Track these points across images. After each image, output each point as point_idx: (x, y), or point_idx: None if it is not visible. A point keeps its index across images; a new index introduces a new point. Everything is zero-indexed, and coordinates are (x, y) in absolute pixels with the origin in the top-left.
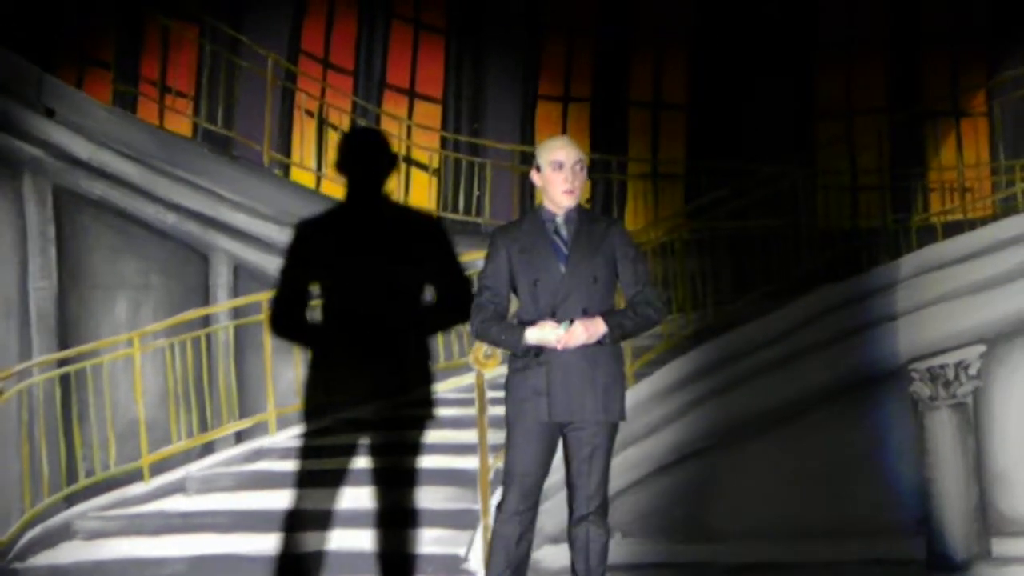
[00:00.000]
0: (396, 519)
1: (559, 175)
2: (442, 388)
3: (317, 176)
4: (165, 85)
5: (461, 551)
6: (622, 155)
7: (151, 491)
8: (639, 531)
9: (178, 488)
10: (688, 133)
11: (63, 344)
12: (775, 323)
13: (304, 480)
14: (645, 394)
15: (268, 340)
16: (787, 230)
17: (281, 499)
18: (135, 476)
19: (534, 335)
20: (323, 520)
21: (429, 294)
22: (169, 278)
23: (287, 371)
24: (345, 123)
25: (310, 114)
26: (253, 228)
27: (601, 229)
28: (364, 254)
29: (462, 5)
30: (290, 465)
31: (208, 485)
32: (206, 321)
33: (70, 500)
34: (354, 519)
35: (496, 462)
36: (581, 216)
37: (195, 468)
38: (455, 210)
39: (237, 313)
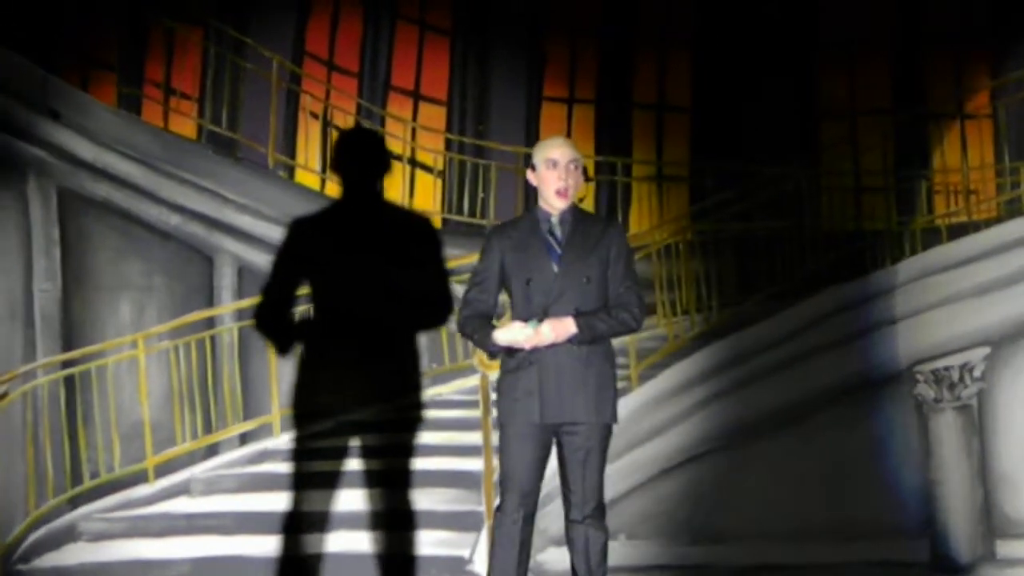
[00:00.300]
0: (399, 521)
1: (553, 174)
2: (446, 390)
3: (321, 178)
4: (169, 87)
5: (465, 553)
6: (627, 157)
7: (155, 493)
8: (644, 533)
9: (182, 490)
10: (692, 135)
11: (67, 346)
12: (780, 325)
13: (308, 482)
14: (650, 396)
15: None
16: (791, 232)
17: (286, 501)
18: (140, 478)
19: (503, 336)
20: (327, 522)
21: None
22: (173, 280)
23: (292, 373)
24: (350, 125)
25: (315, 116)
26: (257, 230)
27: (598, 230)
28: (357, 254)
29: (467, 7)
30: (294, 467)
31: (212, 487)
32: (210, 323)
33: (75, 502)
34: (358, 521)
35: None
36: (577, 216)
37: (199, 470)
38: (460, 212)
39: (241, 315)
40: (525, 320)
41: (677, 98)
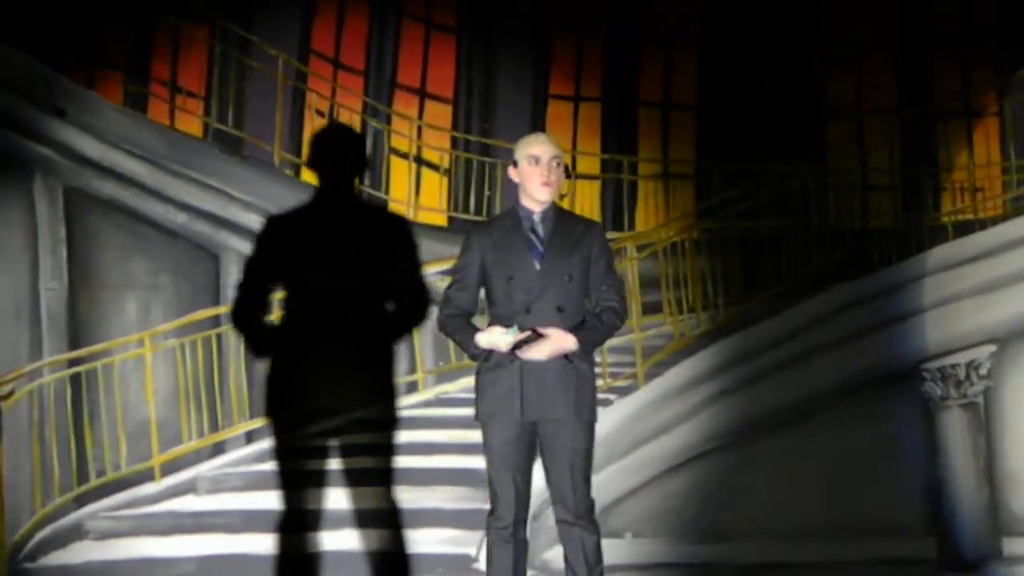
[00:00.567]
0: (404, 519)
1: (536, 169)
2: (452, 388)
3: None
4: (176, 85)
5: (471, 551)
6: (632, 155)
7: (162, 491)
8: (650, 531)
9: (189, 488)
10: (698, 133)
11: (74, 344)
12: (786, 323)
13: (313, 480)
14: (656, 394)
15: None
16: (798, 230)
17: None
18: (146, 476)
19: (484, 340)
20: (331, 520)
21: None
22: (179, 278)
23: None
24: (356, 123)
25: (320, 114)
26: None
27: (579, 229)
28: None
29: (473, 5)
30: (300, 465)
31: (218, 485)
32: (216, 321)
33: (81, 500)
34: (361, 519)
35: None
36: (558, 215)
37: (206, 468)
38: (466, 210)
39: None
40: (507, 326)
41: (683, 96)
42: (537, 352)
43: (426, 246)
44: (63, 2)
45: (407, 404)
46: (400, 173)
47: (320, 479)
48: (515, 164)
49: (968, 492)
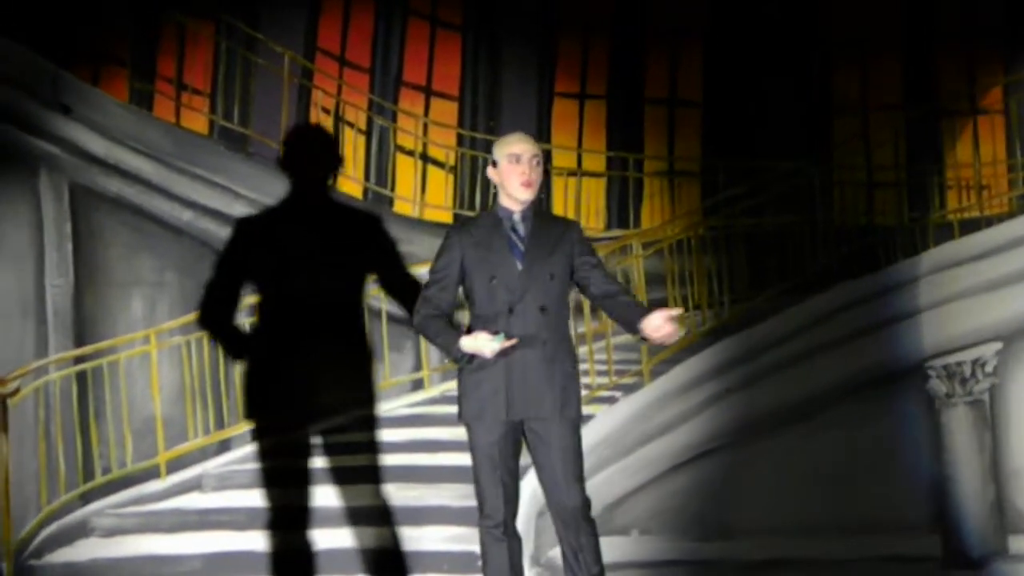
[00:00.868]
0: (408, 516)
1: (516, 168)
2: (456, 387)
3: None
4: (181, 82)
5: (476, 548)
6: (638, 153)
7: (167, 488)
8: (655, 528)
9: (194, 485)
10: (704, 130)
11: (79, 341)
12: (791, 321)
13: (318, 477)
14: (661, 392)
15: None
16: (803, 227)
17: (297, 496)
18: (152, 473)
19: (469, 344)
20: (336, 517)
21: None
22: (185, 275)
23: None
24: (361, 121)
25: (326, 112)
26: None
27: (559, 229)
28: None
29: (479, 3)
30: (306, 463)
31: (224, 482)
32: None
33: (86, 497)
34: (364, 516)
35: None
36: (537, 214)
37: (211, 465)
38: (471, 207)
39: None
40: (489, 327)
41: (689, 94)
42: (669, 338)
43: (431, 243)
44: None
45: (412, 402)
46: (406, 170)
47: (314, 477)
48: (494, 164)
49: (973, 490)
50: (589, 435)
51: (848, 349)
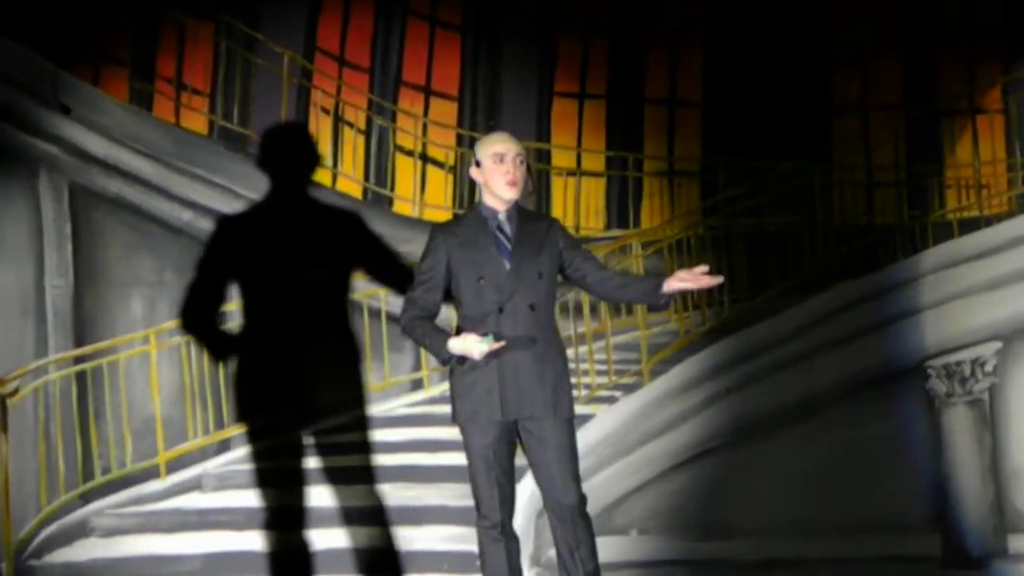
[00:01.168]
0: (408, 516)
1: (501, 167)
2: None
3: (333, 173)
4: (181, 82)
5: (476, 548)
6: (638, 152)
7: (167, 488)
8: (655, 528)
9: (194, 485)
10: (704, 130)
11: (79, 341)
12: (791, 320)
13: (317, 477)
14: (661, 391)
15: None
16: (803, 227)
17: (296, 496)
18: (151, 473)
19: (458, 346)
20: (335, 517)
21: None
22: (184, 275)
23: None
24: (361, 121)
25: (326, 112)
26: None
27: (543, 227)
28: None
29: (478, 3)
30: (305, 463)
31: (224, 482)
32: (222, 318)
33: (86, 497)
34: (364, 516)
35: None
36: (521, 213)
37: (211, 465)
38: (471, 207)
39: None
40: (478, 328)
41: (689, 94)
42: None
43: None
44: None
45: (412, 401)
46: (405, 170)
47: (312, 477)
48: (477, 164)
49: (973, 489)
50: (589, 435)
51: (848, 349)
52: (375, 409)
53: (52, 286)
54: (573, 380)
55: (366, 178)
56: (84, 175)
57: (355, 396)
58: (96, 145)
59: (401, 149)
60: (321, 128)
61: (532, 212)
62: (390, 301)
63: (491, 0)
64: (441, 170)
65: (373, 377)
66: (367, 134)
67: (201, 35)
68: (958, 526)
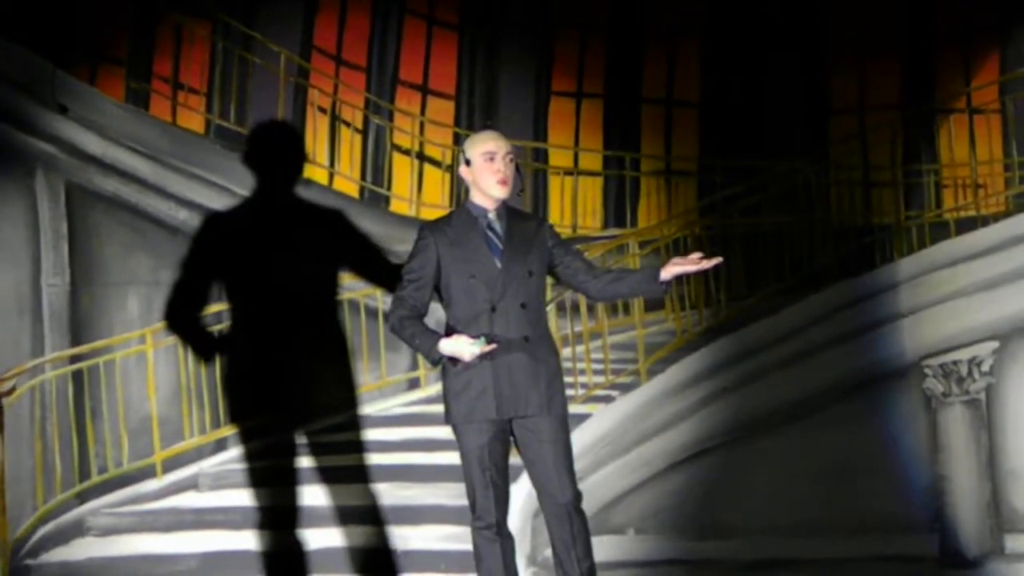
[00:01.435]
0: (405, 515)
1: (491, 166)
2: None
3: (330, 172)
4: (178, 82)
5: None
6: (635, 152)
7: (164, 488)
8: (652, 528)
9: (191, 485)
10: (701, 130)
11: (75, 341)
12: (788, 320)
13: (314, 476)
14: (658, 391)
15: None
16: (800, 227)
17: (293, 496)
18: (148, 473)
19: (449, 348)
20: (331, 516)
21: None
22: None
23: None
24: (358, 120)
25: (323, 111)
26: None
27: (532, 225)
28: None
29: (476, 1)
30: (302, 462)
31: (220, 482)
32: (218, 317)
33: (82, 497)
34: (361, 516)
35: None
36: (509, 212)
37: (208, 465)
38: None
39: None
40: (468, 328)
41: (686, 93)
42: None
43: None
44: None
45: (408, 401)
46: (402, 169)
47: (309, 476)
48: (467, 162)
49: (970, 489)
50: (586, 434)
51: (845, 348)
52: (372, 408)
53: (48, 285)
54: (570, 380)
55: (363, 177)
56: (81, 174)
57: (351, 395)
58: (93, 144)
59: (398, 148)
60: (318, 127)
61: (520, 211)
62: (387, 300)
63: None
64: (438, 169)
65: (370, 376)
66: (364, 133)
67: (198, 34)
68: (955, 526)
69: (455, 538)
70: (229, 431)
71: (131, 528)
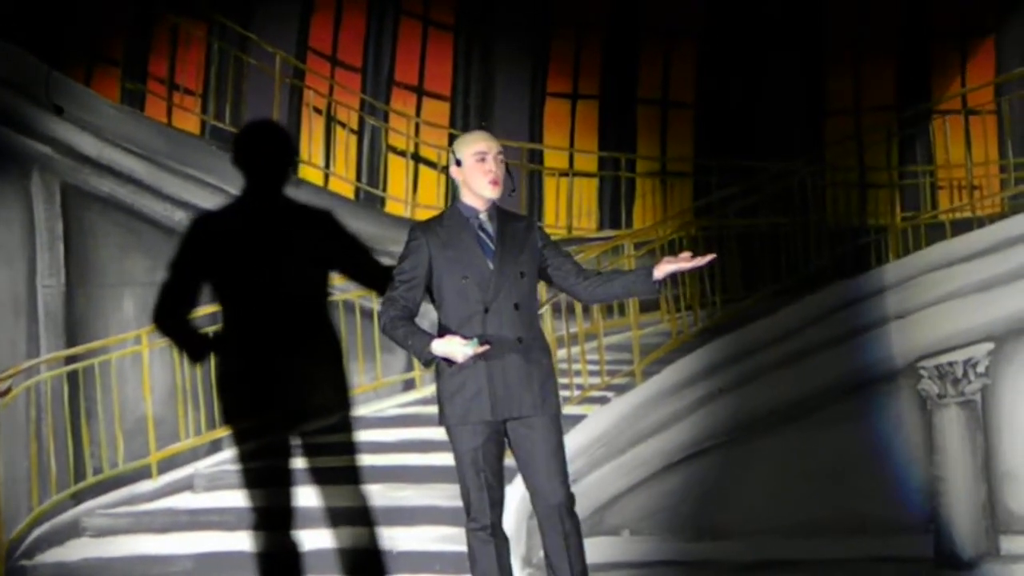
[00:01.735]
0: (400, 516)
1: (483, 166)
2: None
3: (325, 173)
4: (173, 83)
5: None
6: (630, 153)
7: (159, 488)
8: (647, 529)
9: (186, 485)
10: (696, 131)
11: (71, 341)
12: (783, 321)
13: (308, 478)
14: (653, 392)
15: None
16: (796, 228)
17: (287, 497)
18: (143, 473)
19: (441, 348)
20: (325, 517)
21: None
22: None
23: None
24: (353, 121)
25: (318, 111)
26: None
27: (523, 226)
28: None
29: (471, 2)
30: (297, 463)
31: (215, 482)
32: (214, 318)
33: (78, 497)
34: (354, 517)
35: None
36: (500, 213)
37: (203, 465)
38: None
39: None
40: (461, 329)
41: (681, 94)
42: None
43: None
44: None
45: (403, 402)
46: (398, 170)
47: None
48: (458, 163)
49: (965, 490)
50: (581, 435)
51: (840, 349)
52: (367, 409)
53: (44, 286)
54: (565, 381)
55: (358, 178)
56: (76, 175)
57: (345, 396)
58: (88, 145)
59: (393, 149)
60: (313, 128)
61: (510, 211)
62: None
63: (484, 0)
64: (433, 170)
65: (365, 377)
66: (359, 134)
67: (194, 35)
68: (950, 527)
69: (450, 539)
70: (224, 432)
71: (126, 529)
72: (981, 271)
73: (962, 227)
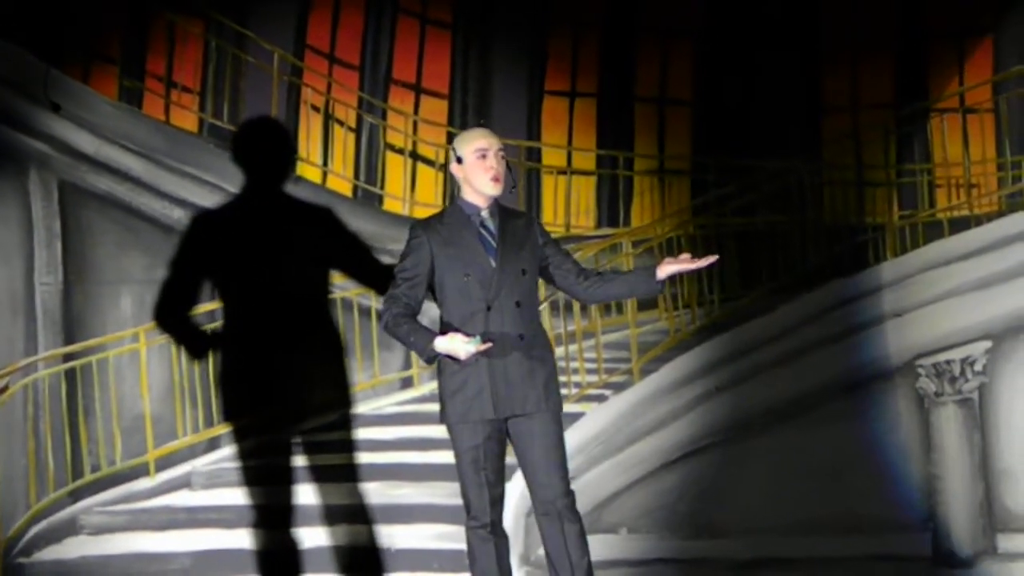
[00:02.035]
0: (398, 514)
1: (484, 163)
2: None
3: (323, 171)
4: (171, 80)
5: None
6: (628, 151)
7: (157, 486)
8: (645, 527)
9: (184, 483)
10: (694, 129)
11: (69, 339)
12: (781, 319)
13: (306, 475)
14: (651, 390)
15: None
16: (793, 226)
17: (286, 495)
18: (141, 471)
19: (444, 346)
20: (323, 515)
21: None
22: None
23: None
24: (351, 118)
25: (316, 109)
26: None
27: (523, 223)
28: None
29: (469, 0)
30: (296, 461)
31: (213, 480)
32: (211, 316)
33: (75, 495)
34: (353, 515)
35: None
36: (501, 210)
37: (201, 463)
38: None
39: None
40: (464, 326)
41: (679, 92)
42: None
43: None
44: None
45: (402, 400)
46: (395, 168)
47: (301, 475)
48: (458, 160)
49: (963, 488)
50: (579, 433)
51: (838, 348)
52: (365, 407)
53: (41, 284)
54: (563, 379)
55: (356, 176)
56: (74, 173)
57: (344, 394)
58: (86, 143)
59: (391, 147)
60: (311, 126)
61: (510, 208)
62: (380, 299)
63: None
64: (431, 168)
65: (363, 375)
66: (357, 132)
67: (191, 33)
68: (948, 525)
69: (448, 537)
70: (222, 429)
71: (124, 526)
72: (979, 269)
73: (960, 225)
